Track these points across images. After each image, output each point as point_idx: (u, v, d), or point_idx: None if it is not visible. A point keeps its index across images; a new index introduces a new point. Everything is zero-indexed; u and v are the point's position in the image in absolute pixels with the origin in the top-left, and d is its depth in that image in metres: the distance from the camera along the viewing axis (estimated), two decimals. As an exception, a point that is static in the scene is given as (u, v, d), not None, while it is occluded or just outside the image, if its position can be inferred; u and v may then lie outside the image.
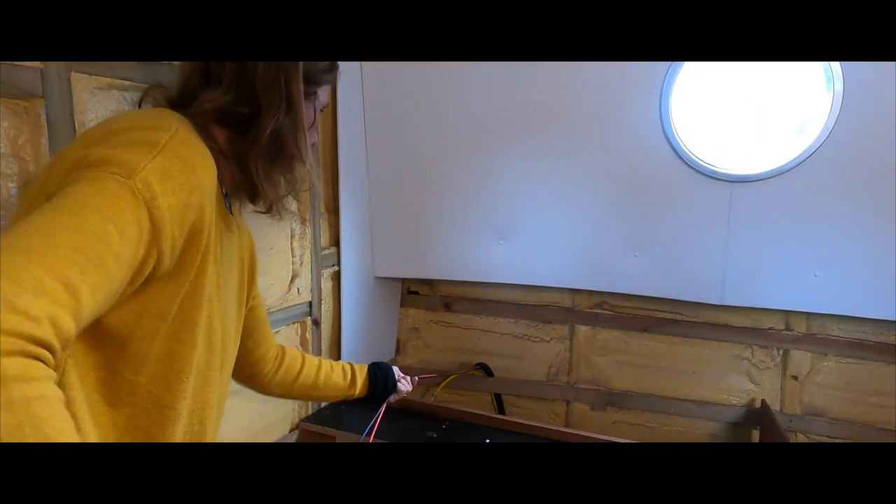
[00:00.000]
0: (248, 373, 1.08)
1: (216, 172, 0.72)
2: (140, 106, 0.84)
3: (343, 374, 1.20)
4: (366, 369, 1.24)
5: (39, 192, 0.64)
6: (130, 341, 0.69)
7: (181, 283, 0.71)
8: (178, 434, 0.78)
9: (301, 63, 0.79)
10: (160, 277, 0.67)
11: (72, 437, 0.49)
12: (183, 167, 0.65)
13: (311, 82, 0.83)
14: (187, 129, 0.71)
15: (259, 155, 0.79)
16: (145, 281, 0.65)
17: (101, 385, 0.70)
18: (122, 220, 0.57)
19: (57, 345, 0.49)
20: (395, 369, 1.28)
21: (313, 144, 0.88)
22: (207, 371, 0.81)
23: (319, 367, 1.17)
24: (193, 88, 0.78)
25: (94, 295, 0.54)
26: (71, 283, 0.51)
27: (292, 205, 0.92)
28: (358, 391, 1.22)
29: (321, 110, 0.89)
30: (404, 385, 1.29)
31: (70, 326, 0.51)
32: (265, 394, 1.14)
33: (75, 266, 0.52)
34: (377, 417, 1.26)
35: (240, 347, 1.01)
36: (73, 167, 0.61)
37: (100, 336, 0.66)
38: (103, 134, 0.67)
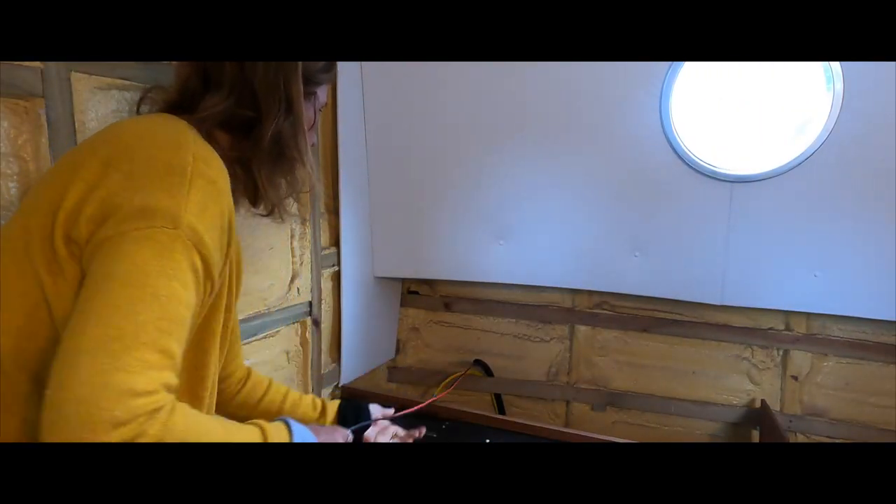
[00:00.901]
0: None
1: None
2: (138, 108, 0.84)
3: (313, 407, 1.14)
4: (336, 405, 1.17)
5: (55, 207, 0.63)
6: None
7: (211, 294, 0.73)
8: None
9: (300, 64, 0.79)
10: None
11: (217, 428, 0.65)
12: (213, 192, 0.67)
13: (310, 82, 0.82)
14: (199, 140, 0.71)
15: (261, 158, 0.80)
16: None
17: None
18: (182, 272, 0.62)
19: (171, 398, 0.58)
20: (374, 408, 1.21)
21: (312, 145, 0.88)
22: (216, 377, 0.82)
23: (286, 395, 1.12)
24: (193, 91, 0.78)
25: (180, 345, 0.61)
26: (166, 349, 0.58)
27: (293, 206, 0.92)
28: (328, 425, 1.14)
29: (320, 110, 0.89)
30: (383, 435, 1.18)
31: (174, 380, 0.59)
32: (225, 414, 1.02)
33: (163, 333, 0.58)
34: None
35: None
36: (112, 213, 0.61)
37: None
38: (118, 150, 0.66)
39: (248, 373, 1.09)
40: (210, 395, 0.82)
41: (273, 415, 1.05)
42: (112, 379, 0.52)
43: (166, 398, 0.56)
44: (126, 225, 0.60)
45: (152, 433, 0.53)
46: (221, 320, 0.78)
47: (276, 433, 0.76)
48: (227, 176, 0.72)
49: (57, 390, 0.52)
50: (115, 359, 0.54)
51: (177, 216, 0.62)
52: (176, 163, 0.65)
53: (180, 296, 0.61)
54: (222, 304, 0.77)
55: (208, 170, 0.67)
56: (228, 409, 1.06)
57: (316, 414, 1.13)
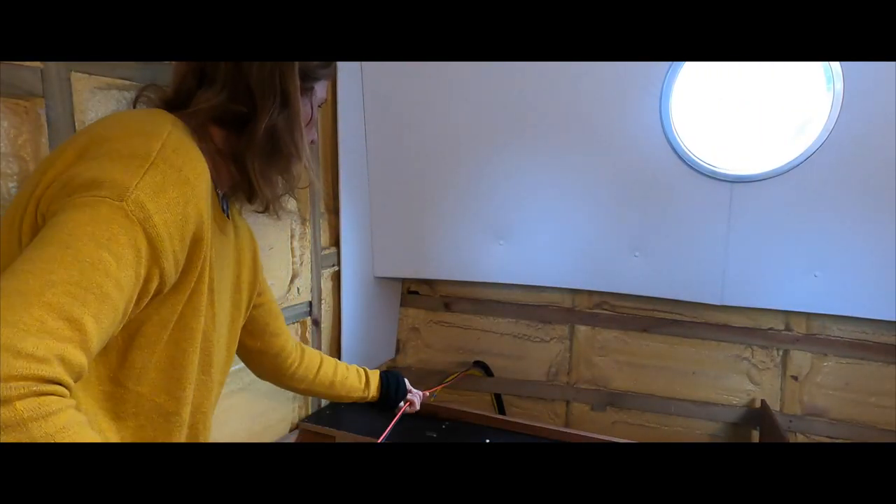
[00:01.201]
0: (270, 367, 1.10)
1: (210, 176, 0.72)
2: (134, 106, 0.84)
3: (358, 377, 1.24)
4: (378, 374, 1.28)
5: (30, 195, 0.63)
6: (131, 350, 0.69)
7: (183, 291, 0.70)
8: (182, 441, 0.78)
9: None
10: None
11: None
12: (176, 179, 0.64)
13: (308, 78, 0.81)
14: (180, 132, 0.70)
15: (255, 153, 0.78)
16: (152, 296, 0.65)
17: (106, 399, 0.70)
18: (117, 245, 0.57)
19: (69, 379, 0.50)
20: (406, 381, 1.33)
21: (312, 142, 0.87)
22: (203, 376, 0.81)
23: (336, 367, 1.20)
24: (188, 88, 0.77)
25: (98, 323, 0.54)
26: (74, 317, 0.51)
27: (290, 204, 0.91)
28: (371, 394, 1.25)
29: (319, 106, 0.89)
30: (416, 397, 1.33)
31: (80, 359, 0.52)
32: (289, 388, 1.16)
33: (76, 300, 0.52)
34: (392, 423, 1.29)
35: (258, 343, 1.04)
36: (64, 185, 0.60)
37: (101, 349, 0.65)
38: (93, 140, 0.66)
39: (302, 349, 1.14)
40: (203, 395, 0.81)
41: (328, 385, 1.18)
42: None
43: (58, 373, 0.49)
44: (73, 195, 0.58)
45: (19, 405, 0.45)
46: (202, 321, 0.75)
47: None
48: (204, 172, 0.70)
49: None
50: (9, 312, 0.48)
51: (124, 189, 0.59)
52: (141, 149, 0.63)
53: (108, 267, 0.55)
54: (201, 304, 0.74)
55: (176, 158, 0.65)
56: (293, 384, 1.15)
57: (361, 384, 1.23)
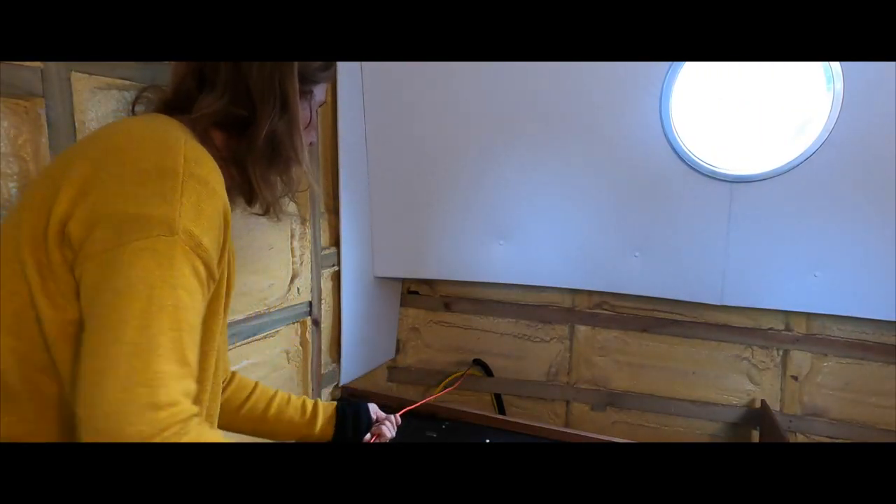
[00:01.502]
0: None
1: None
2: (133, 107, 0.84)
3: (302, 411, 1.06)
4: (333, 407, 1.09)
5: (49, 209, 0.63)
6: None
7: (210, 295, 0.73)
8: None
9: (296, 62, 0.78)
10: None
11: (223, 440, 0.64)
12: (206, 192, 0.66)
13: (307, 81, 0.82)
14: (192, 140, 0.71)
15: (255, 157, 0.79)
16: None
17: None
18: (184, 278, 0.62)
19: (194, 408, 0.60)
20: (373, 407, 1.15)
21: (311, 144, 0.87)
22: (215, 379, 0.82)
23: (272, 398, 1.04)
24: (188, 91, 0.77)
25: (195, 350, 0.63)
26: (182, 358, 0.60)
27: (289, 206, 0.91)
28: (318, 430, 1.06)
29: (318, 108, 0.89)
30: (387, 430, 1.12)
31: (193, 386, 0.62)
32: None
33: (177, 343, 0.60)
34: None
35: None
36: (106, 221, 0.61)
37: None
38: (108, 152, 0.66)
39: (233, 375, 1.03)
40: (210, 398, 0.81)
41: (257, 420, 1.02)
42: (135, 395, 0.55)
43: (188, 408, 0.59)
44: (124, 237, 0.60)
45: (177, 439, 0.57)
46: (220, 323, 0.77)
47: None
48: (221, 174, 0.71)
49: (86, 408, 0.56)
50: (136, 374, 0.56)
51: (172, 222, 0.62)
52: (167, 165, 0.65)
53: (186, 303, 0.62)
54: (221, 306, 0.76)
55: (200, 170, 0.67)
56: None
57: (305, 419, 1.06)
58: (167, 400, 0.56)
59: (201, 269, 0.65)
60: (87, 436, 0.56)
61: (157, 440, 0.55)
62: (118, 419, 0.54)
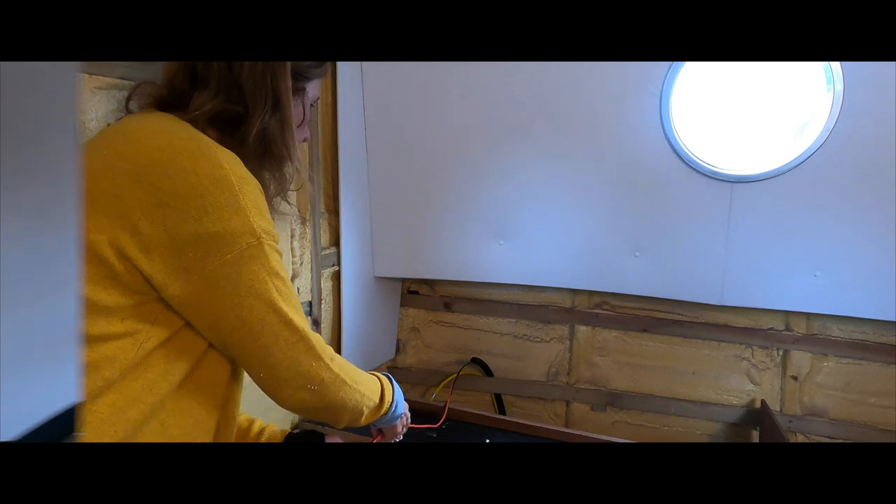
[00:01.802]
0: None
1: None
2: (127, 104, 0.83)
3: (248, 426, 1.06)
4: (282, 436, 1.08)
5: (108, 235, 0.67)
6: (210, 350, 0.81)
7: None
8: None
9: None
10: None
11: (352, 367, 0.88)
12: (254, 186, 0.74)
13: (300, 78, 0.82)
14: (210, 140, 0.73)
15: (248, 155, 0.79)
16: None
17: (230, 398, 0.87)
18: (280, 268, 0.76)
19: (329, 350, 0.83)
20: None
21: (305, 140, 0.88)
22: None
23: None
24: (181, 88, 0.78)
25: (300, 306, 0.80)
26: (303, 317, 0.79)
27: (281, 206, 0.91)
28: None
29: (312, 105, 0.89)
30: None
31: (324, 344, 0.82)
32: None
33: (297, 309, 0.78)
34: None
35: None
36: (189, 248, 0.68)
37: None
38: (168, 181, 0.67)
39: None
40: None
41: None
42: (306, 356, 0.78)
43: (328, 350, 0.82)
44: (220, 255, 0.69)
45: (334, 367, 0.81)
46: None
47: (388, 388, 0.97)
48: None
49: (269, 370, 0.76)
50: (300, 342, 0.77)
51: (249, 226, 0.70)
52: (216, 174, 0.69)
53: (290, 288, 0.77)
54: None
55: (240, 169, 0.72)
56: None
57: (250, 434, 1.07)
58: (315, 342, 0.78)
59: (278, 248, 0.76)
60: (280, 387, 0.76)
61: (327, 361, 0.79)
62: (300, 364, 0.76)
